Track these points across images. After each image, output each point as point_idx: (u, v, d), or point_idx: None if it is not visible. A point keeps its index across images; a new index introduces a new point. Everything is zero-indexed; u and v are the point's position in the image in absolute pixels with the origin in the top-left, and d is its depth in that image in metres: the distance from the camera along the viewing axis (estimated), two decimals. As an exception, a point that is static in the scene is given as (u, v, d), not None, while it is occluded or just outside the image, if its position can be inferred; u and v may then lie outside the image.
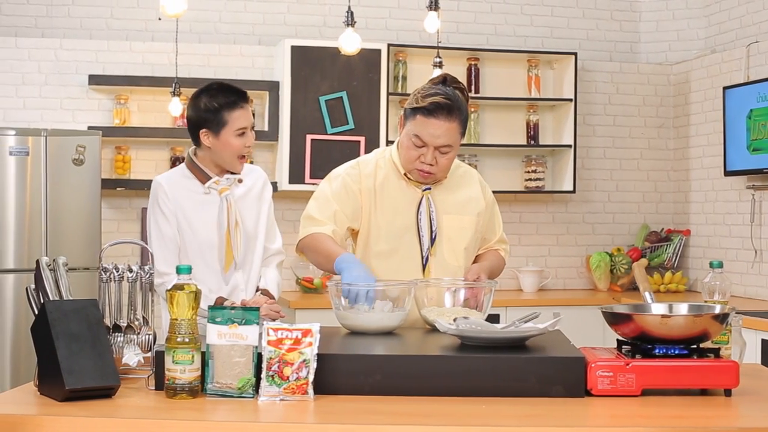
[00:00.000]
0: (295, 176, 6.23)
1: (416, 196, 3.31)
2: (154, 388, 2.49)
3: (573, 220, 7.01)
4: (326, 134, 6.27)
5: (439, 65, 5.53)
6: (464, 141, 6.57)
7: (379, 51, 6.30)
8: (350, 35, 4.89)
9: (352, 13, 4.86)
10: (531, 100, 6.75)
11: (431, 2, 4.94)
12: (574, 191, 6.69)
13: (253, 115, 6.27)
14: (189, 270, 2.42)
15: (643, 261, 6.77)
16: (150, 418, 2.25)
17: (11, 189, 5.48)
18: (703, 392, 2.49)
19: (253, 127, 3.58)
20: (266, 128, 6.35)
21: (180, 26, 6.11)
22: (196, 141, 3.58)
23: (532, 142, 6.78)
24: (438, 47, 5.71)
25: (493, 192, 3.56)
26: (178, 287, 2.39)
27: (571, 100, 6.66)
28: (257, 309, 2.46)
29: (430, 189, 3.33)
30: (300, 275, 6.40)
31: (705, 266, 6.53)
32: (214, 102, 3.51)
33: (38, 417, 2.24)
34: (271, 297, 3.59)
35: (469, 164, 6.62)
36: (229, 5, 6.63)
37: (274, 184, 6.18)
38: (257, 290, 3.64)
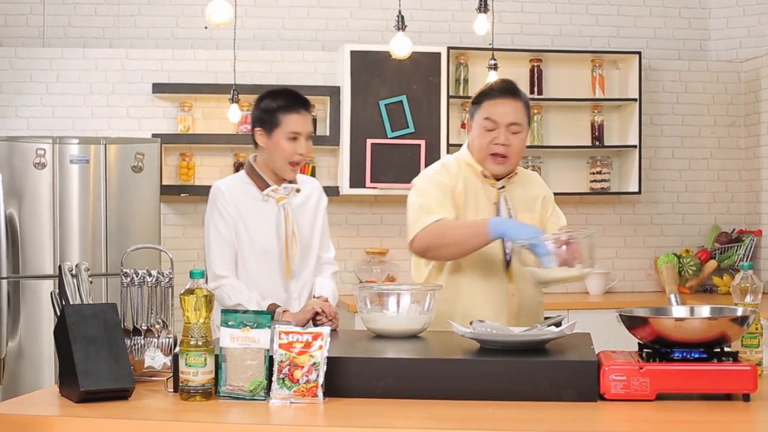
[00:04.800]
0: (356, 180, 6.25)
1: (493, 194, 3.42)
2: (172, 390, 2.54)
3: (641, 221, 6.89)
4: (386, 138, 6.27)
5: (494, 67, 5.48)
6: (528, 143, 6.65)
7: (438, 54, 6.27)
8: (401, 39, 4.89)
9: (402, 17, 4.85)
10: (595, 100, 6.66)
11: (480, 4, 4.91)
12: (639, 192, 6.58)
13: (315, 124, 6.33)
14: (202, 274, 2.46)
15: (706, 264, 6.62)
16: (160, 419, 2.30)
17: (74, 196, 5.60)
18: (728, 397, 2.43)
19: (309, 137, 3.61)
20: (327, 133, 6.38)
21: (243, 34, 6.19)
22: (255, 141, 3.64)
23: (597, 143, 6.69)
24: (493, 49, 5.66)
25: (558, 194, 3.67)
26: (190, 291, 2.42)
27: (636, 99, 6.55)
28: (269, 313, 2.49)
29: (504, 187, 3.42)
30: (363, 278, 6.42)
31: (777, 268, 6.37)
32: (273, 103, 3.59)
33: (51, 418, 2.30)
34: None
35: (533, 166, 6.65)
36: (292, 12, 6.68)
37: (336, 189, 6.21)
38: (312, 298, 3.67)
